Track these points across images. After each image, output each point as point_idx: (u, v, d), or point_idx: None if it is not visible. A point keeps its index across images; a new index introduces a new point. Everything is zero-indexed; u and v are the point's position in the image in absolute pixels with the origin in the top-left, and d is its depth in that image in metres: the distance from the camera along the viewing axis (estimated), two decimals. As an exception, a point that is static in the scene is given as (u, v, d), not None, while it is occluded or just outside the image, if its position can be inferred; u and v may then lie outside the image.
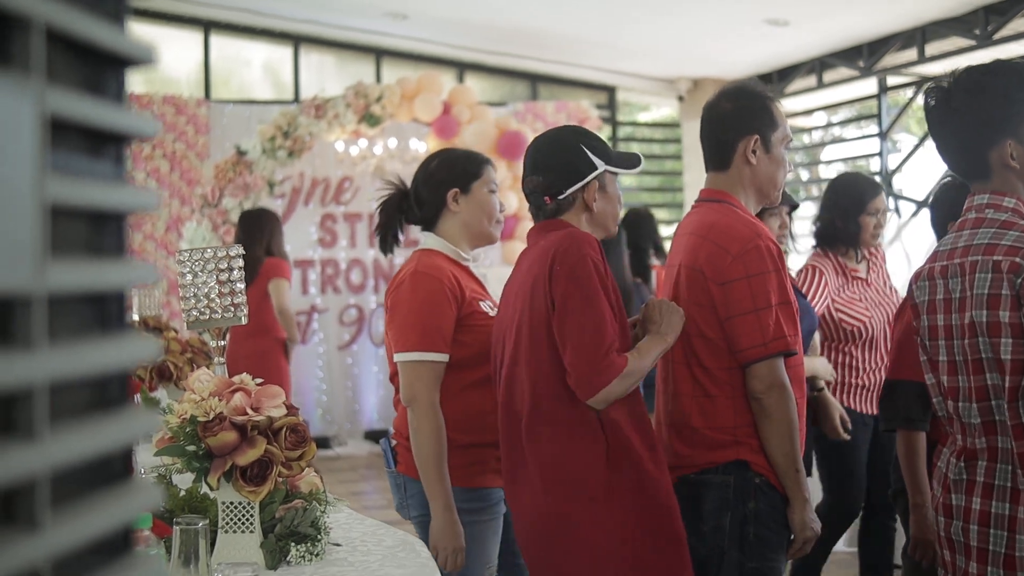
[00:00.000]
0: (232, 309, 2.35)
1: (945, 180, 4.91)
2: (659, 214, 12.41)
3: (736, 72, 11.20)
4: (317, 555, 2.25)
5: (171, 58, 10.98)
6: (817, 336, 4.34)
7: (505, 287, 2.97)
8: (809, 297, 4.38)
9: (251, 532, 2.22)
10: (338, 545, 2.36)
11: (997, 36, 8.35)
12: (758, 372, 2.79)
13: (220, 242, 8.24)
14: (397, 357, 3.12)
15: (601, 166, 2.84)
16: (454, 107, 9.49)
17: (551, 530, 2.73)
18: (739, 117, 2.98)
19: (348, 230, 10.19)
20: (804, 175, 11.96)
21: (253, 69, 11.35)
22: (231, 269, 2.34)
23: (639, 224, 6.62)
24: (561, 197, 2.83)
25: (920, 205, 9.70)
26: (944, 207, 3.72)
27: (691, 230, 2.97)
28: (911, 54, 9.22)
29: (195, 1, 10.28)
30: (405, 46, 11.03)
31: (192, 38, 10.79)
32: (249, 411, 2.14)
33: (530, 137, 9.63)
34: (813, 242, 4.75)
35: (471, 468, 3.12)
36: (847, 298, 4.56)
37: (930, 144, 9.75)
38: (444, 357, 3.09)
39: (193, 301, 2.33)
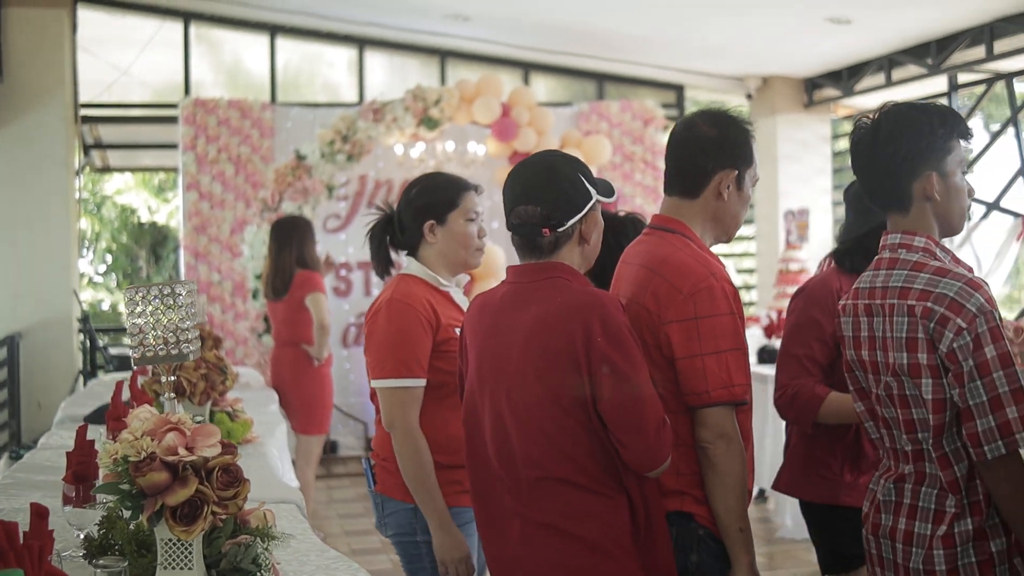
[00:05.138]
0: (177, 347, 2.36)
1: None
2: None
3: (805, 70, 11.03)
4: (254, 592, 2.26)
5: (241, 62, 11.17)
6: None
7: (483, 325, 2.77)
8: None
9: (190, 569, 2.23)
10: (278, 582, 2.36)
11: (1067, 33, 8.10)
12: (704, 419, 2.65)
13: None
14: (374, 384, 3.17)
15: (594, 195, 2.69)
16: (514, 109, 9.47)
17: None
18: (722, 147, 2.77)
19: (411, 232, 10.22)
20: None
21: (320, 72, 11.48)
22: (177, 306, 2.35)
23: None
24: (561, 230, 2.64)
25: (990, 207, 9.44)
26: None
27: (640, 261, 2.79)
28: (979, 51, 8.97)
29: (262, 6, 10.43)
30: (469, 47, 11.06)
31: (259, 42, 10.95)
32: (181, 451, 2.15)
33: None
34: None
35: (448, 487, 3.14)
36: None
37: (1003, 142, 9.51)
38: (421, 382, 3.14)
39: (140, 338, 2.35)
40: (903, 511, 2.61)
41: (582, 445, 2.58)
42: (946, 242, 2.68)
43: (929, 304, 2.48)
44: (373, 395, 3.27)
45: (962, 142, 2.63)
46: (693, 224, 2.82)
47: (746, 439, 2.79)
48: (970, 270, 2.61)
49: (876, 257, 2.69)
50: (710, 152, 2.78)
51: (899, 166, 2.60)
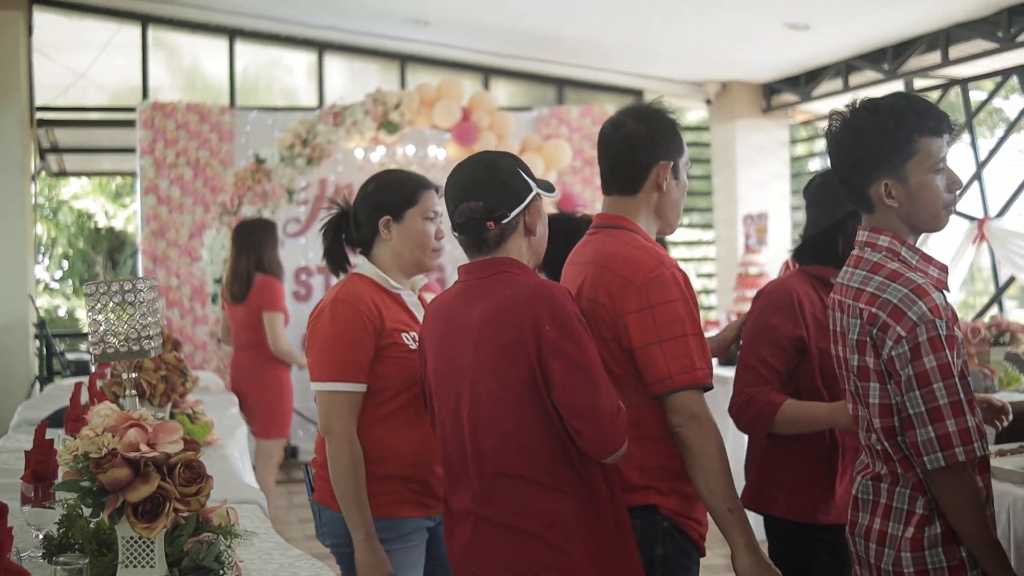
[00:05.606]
0: (139, 343, 2.34)
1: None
2: (687, 218, 12.35)
3: (764, 75, 11.11)
4: (217, 590, 2.24)
5: (200, 66, 11.11)
6: None
7: (437, 329, 2.77)
8: None
9: (151, 567, 2.21)
10: (241, 579, 2.35)
11: (1021, 38, 8.19)
12: (673, 404, 2.67)
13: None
14: (314, 386, 3.09)
15: (534, 187, 2.74)
16: (474, 113, 9.46)
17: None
18: (654, 141, 2.85)
19: (372, 235, 10.18)
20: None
21: (279, 76, 11.43)
22: (139, 303, 2.33)
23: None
24: (505, 221, 2.68)
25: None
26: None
27: (590, 259, 2.83)
28: (935, 57, 9.07)
29: (221, 9, 10.37)
30: (429, 51, 11.05)
31: (217, 46, 10.88)
32: (143, 447, 2.13)
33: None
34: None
35: (383, 498, 3.06)
36: None
37: (958, 148, 9.61)
38: (361, 387, 3.05)
39: (100, 335, 2.33)
40: (879, 511, 2.59)
41: (538, 438, 2.59)
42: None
43: (874, 309, 2.47)
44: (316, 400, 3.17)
45: (933, 139, 2.50)
46: (637, 219, 2.89)
47: None
48: (944, 269, 2.57)
49: (851, 254, 2.66)
50: (643, 148, 2.86)
51: (853, 172, 2.56)
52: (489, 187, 2.69)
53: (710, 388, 2.72)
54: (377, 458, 3.06)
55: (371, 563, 2.97)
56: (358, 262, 3.29)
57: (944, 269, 2.57)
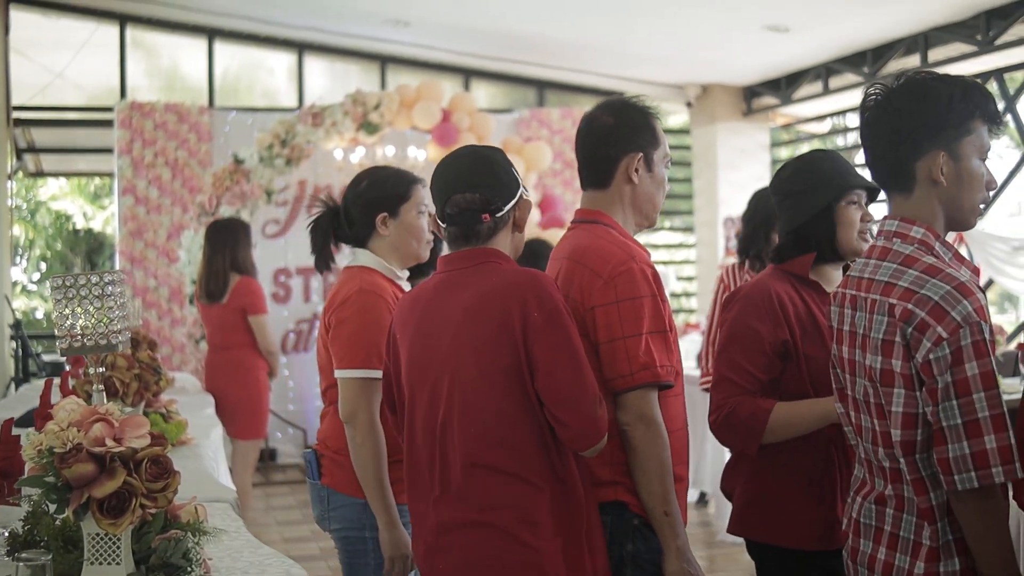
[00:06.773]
0: (106, 337, 2.30)
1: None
2: (668, 221, 12.34)
3: (744, 78, 11.12)
4: (185, 588, 2.20)
5: (179, 66, 11.06)
6: None
7: (413, 319, 2.72)
8: None
9: (117, 564, 2.17)
10: (208, 576, 2.31)
11: (999, 41, 8.22)
12: (624, 402, 2.66)
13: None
14: (340, 374, 3.16)
15: (521, 182, 2.75)
16: (454, 114, 9.44)
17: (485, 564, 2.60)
18: (621, 133, 2.85)
19: (352, 237, 10.15)
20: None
21: (259, 77, 11.38)
22: (106, 296, 2.29)
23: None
24: (499, 215, 2.66)
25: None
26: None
27: (565, 254, 2.83)
28: (915, 60, 9.10)
29: (200, 9, 10.32)
30: (410, 53, 11.02)
31: (196, 46, 10.83)
32: (109, 442, 2.09)
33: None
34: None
35: (397, 485, 3.12)
36: None
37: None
38: None
39: (67, 329, 2.29)
40: (884, 539, 2.37)
41: (519, 430, 2.56)
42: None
43: (910, 306, 2.21)
44: (325, 390, 3.29)
45: (987, 126, 2.33)
46: (612, 213, 2.88)
47: (678, 425, 2.80)
48: (976, 271, 2.34)
49: (870, 244, 2.45)
50: (610, 140, 2.86)
51: (904, 140, 2.32)
52: (485, 179, 2.68)
53: (671, 386, 2.72)
54: (392, 446, 3.13)
55: (394, 541, 3.12)
56: (351, 256, 3.36)
57: (976, 272, 2.34)
